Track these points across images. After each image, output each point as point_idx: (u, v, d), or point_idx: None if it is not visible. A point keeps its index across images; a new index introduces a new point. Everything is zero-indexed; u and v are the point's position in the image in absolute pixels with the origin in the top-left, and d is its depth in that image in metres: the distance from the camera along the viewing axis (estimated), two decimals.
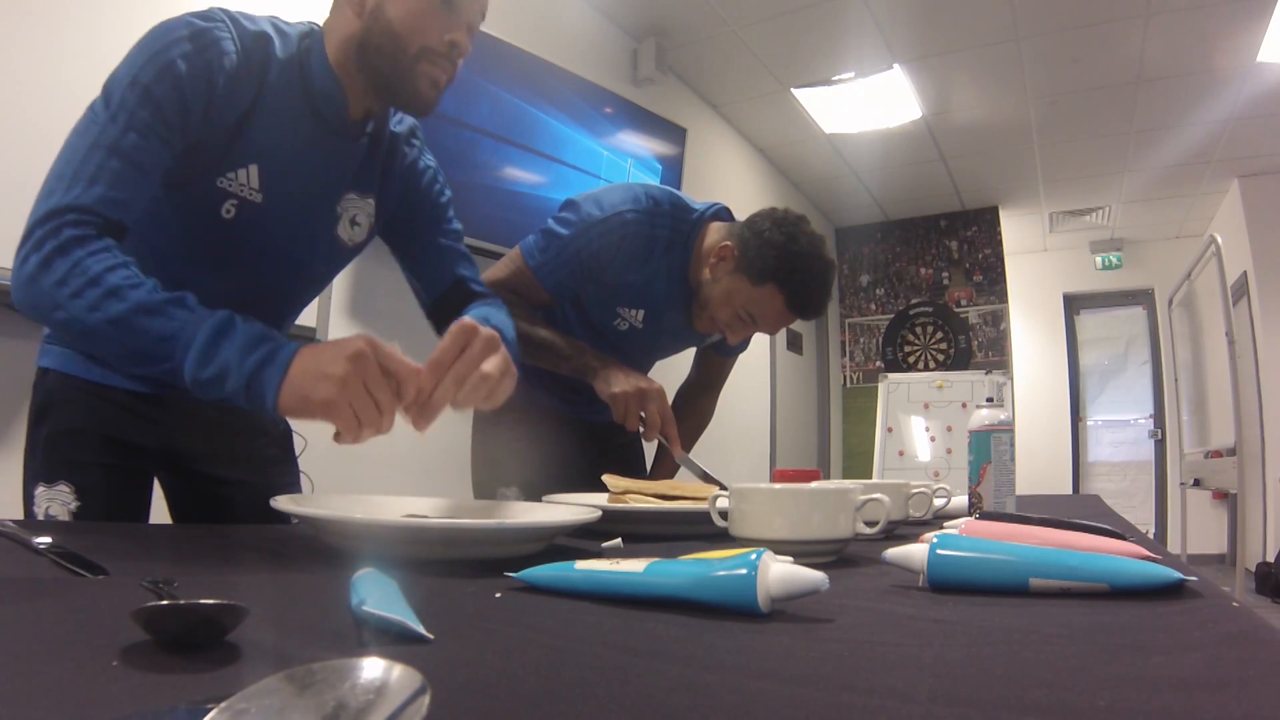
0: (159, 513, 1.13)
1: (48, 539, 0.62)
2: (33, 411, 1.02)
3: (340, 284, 2.41)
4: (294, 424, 1.23)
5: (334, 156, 0.98)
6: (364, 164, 1.02)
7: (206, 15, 0.85)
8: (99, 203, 0.74)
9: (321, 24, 0.95)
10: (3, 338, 1.66)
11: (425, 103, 0.94)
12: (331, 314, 2.30)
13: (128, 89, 0.79)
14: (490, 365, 0.79)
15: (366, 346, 0.69)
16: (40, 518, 0.96)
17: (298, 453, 1.25)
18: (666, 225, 1.37)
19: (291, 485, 1.21)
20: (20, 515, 1.00)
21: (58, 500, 0.96)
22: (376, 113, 0.99)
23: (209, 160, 0.88)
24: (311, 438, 1.58)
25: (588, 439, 1.61)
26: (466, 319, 0.79)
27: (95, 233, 0.73)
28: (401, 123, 1.07)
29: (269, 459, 1.18)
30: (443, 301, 1.10)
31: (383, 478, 2.39)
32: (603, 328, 1.44)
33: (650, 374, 1.44)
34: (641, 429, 1.29)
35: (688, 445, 1.55)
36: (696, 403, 1.68)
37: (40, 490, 0.97)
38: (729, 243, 1.34)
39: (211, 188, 0.90)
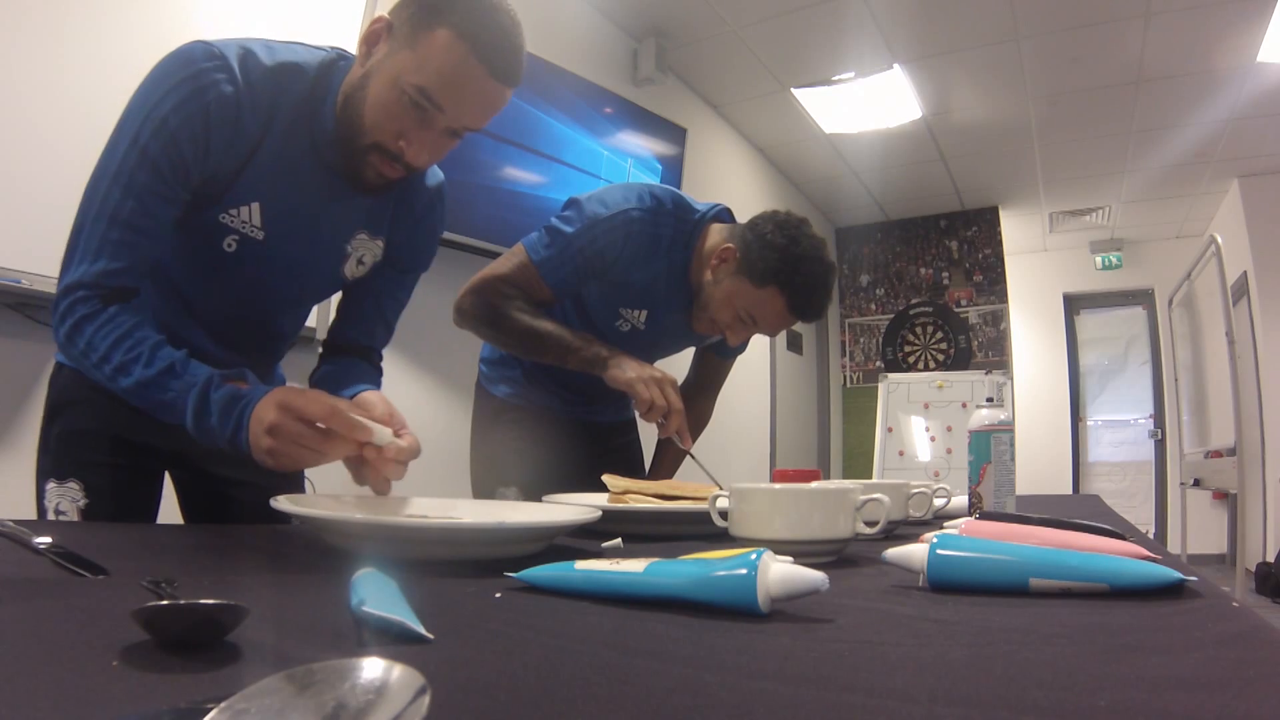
0: (169, 511, 1.13)
1: (48, 539, 0.62)
2: (46, 408, 1.03)
3: None
4: None
5: (343, 198, 0.97)
6: (377, 205, 1.01)
7: (210, 52, 0.84)
8: (101, 276, 0.82)
9: (350, 52, 0.94)
10: (5, 337, 1.66)
11: (370, 187, 0.94)
12: (331, 315, 2.29)
13: (129, 149, 0.82)
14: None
15: (281, 414, 0.75)
16: (50, 514, 0.97)
17: None
18: (669, 225, 1.37)
19: (296, 486, 1.21)
20: (28, 512, 1.01)
21: (67, 497, 0.97)
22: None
23: (212, 195, 0.88)
24: None
25: (588, 439, 1.61)
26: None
27: (101, 305, 0.82)
28: (433, 176, 1.07)
29: None
30: (344, 349, 1.09)
31: (414, 480, 2.38)
32: (604, 329, 1.43)
33: None
34: (661, 421, 1.29)
35: None
36: (695, 404, 1.68)
37: (51, 486, 0.98)
38: (731, 244, 1.34)
39: (213, 222, 0.90)
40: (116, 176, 0.82)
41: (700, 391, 1.68)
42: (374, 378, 1.09)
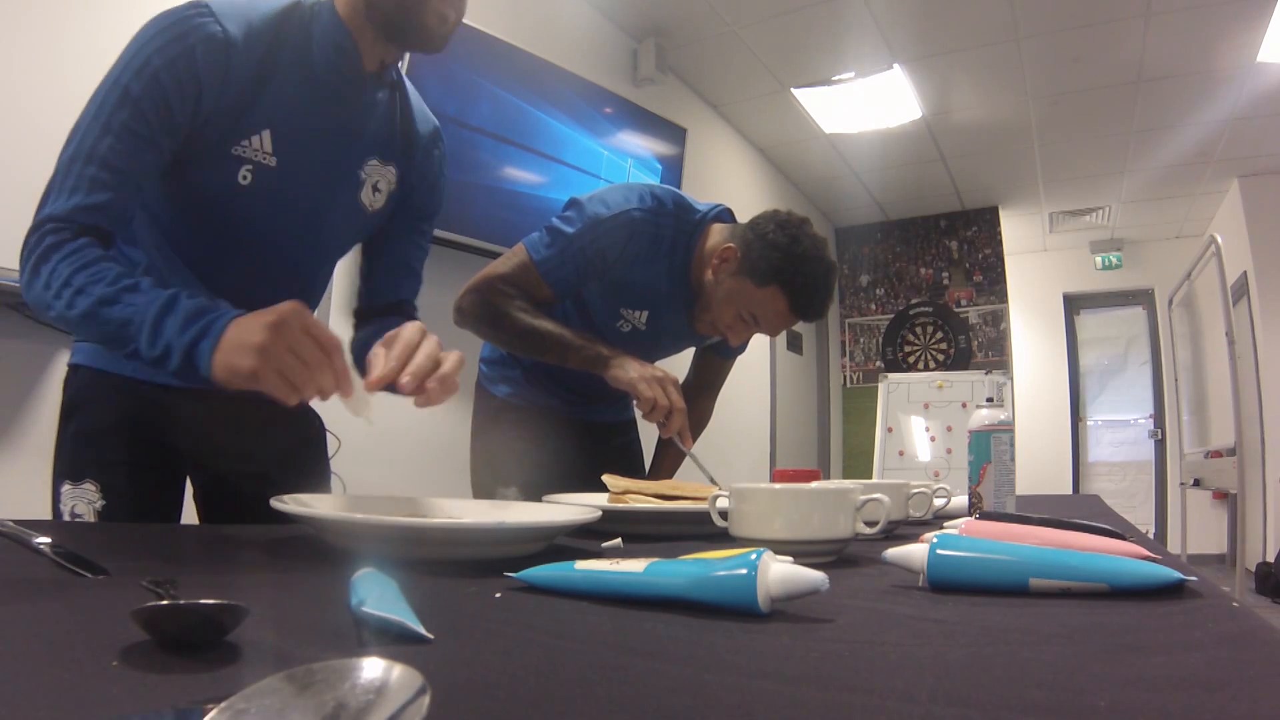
0: (189, 512, 1.12)
1: (48, 539, 0.62)
2: (62, 409, 1.01)
3: (339, 282, 2.40)
4: (328, 425, 1.24)
5: (351, 118, 0.98)
6: (385, 130, 1.02)
7: (193, 3, 0.85)
8: (74, 210, 0.79)
9: None
10: (5, 337, 1.66)
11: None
12: (331, 314, 2.29)
13: (109, 91, 0.81)
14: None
15: (290, 314, 0.70)
16: (65, 516, 0.95)
17: (331, 454, 1.25)
18: (670, 225, 1.37)
19: (322, 486, 1.20)
20: (31, 512, 1.00)
21: (83, 499, 0.95)
22: (391, 65, 0.99)
23: (220, 131, 0.89)
24: (345, 440, 1.58)
25: (588, 439, 1.61)
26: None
27: (70, 237, 0.79)
28: (426, 122, 1.08)
29: (301, 459, 1.17)
30: (377, 310, 1.10)
31: (415, 480, 2.38)
32: (605, 329, 1.44)
33: None
34: (662, 421, 1.29)
35: None
36: (695, 404, 1.68)
37: (66, 488, 0.96)
38: (732, 244, 1.34)
39: (226, 155, 0.90)
40: (96, 116, 0.81)
41: (700, 392, 1.68)
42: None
